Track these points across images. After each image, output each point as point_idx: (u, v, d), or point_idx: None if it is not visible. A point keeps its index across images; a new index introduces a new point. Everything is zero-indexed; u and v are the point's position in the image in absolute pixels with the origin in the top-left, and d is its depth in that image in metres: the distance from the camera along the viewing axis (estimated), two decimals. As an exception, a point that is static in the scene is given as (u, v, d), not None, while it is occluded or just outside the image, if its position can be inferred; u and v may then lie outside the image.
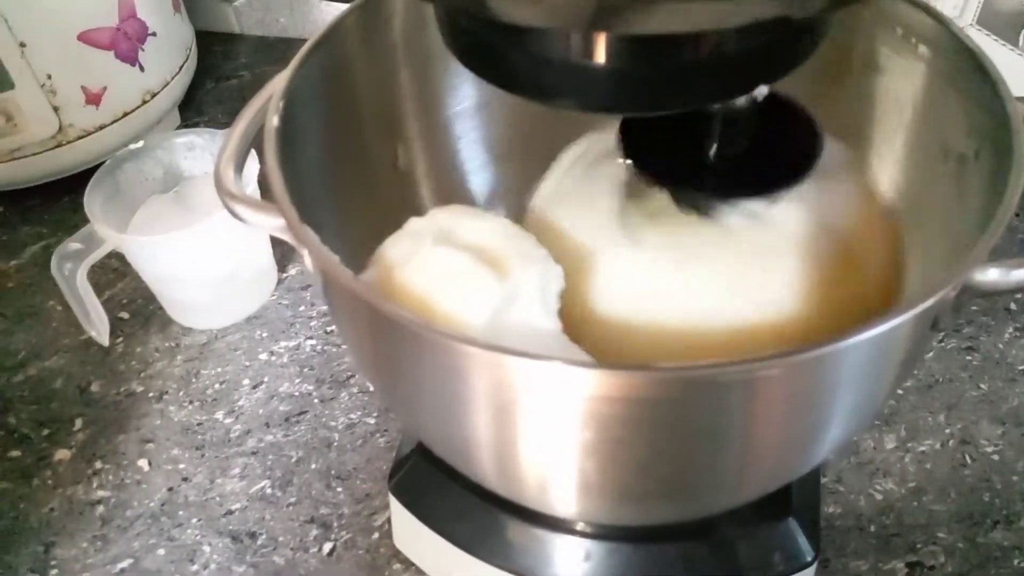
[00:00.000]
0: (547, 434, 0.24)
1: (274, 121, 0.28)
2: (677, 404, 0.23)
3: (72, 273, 0.45)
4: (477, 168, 0.40)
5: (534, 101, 0.25)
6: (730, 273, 0.29)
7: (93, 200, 0.47)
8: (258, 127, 0.30)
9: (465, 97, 0.38)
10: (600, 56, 0.22)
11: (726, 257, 0.29)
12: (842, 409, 0.26)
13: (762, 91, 0.23)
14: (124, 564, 0.42)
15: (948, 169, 0.31)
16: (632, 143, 0.30)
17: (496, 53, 0.24)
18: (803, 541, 0.36)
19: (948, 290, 0.23)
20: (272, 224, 0.27)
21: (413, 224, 0.28)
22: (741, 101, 0.26)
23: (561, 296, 0.26)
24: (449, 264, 0.25)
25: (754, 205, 0.30)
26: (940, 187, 0.32)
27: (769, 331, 0.29)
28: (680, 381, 0.22)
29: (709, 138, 0.29)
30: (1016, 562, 0.39)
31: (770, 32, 0.23)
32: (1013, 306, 0.50)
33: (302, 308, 0.53)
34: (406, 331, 0.22)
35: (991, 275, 0.24)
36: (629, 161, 0.30)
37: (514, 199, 0.36)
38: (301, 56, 0.30)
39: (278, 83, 0.30)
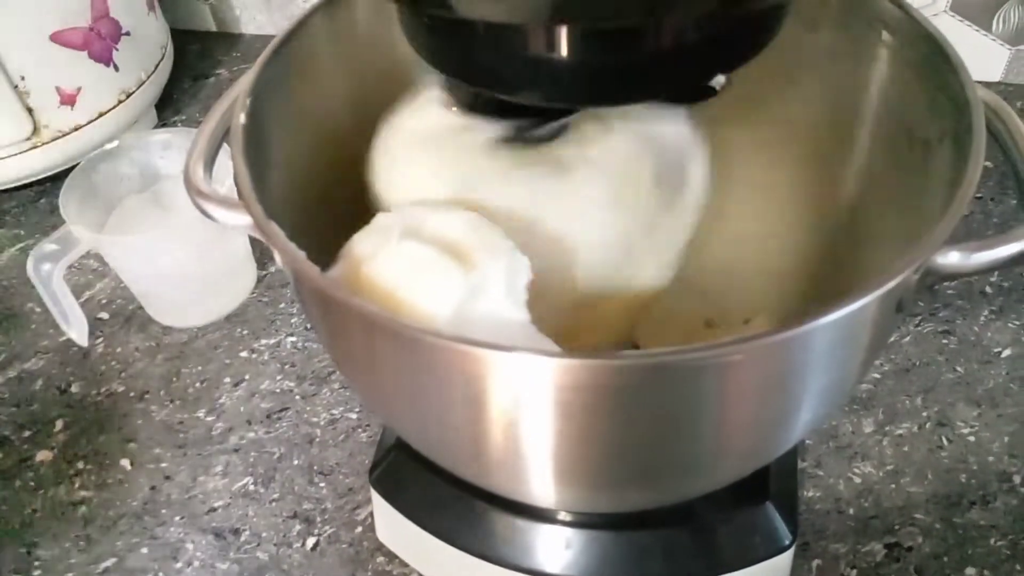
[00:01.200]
0: (516, 424, 0.24)
1: (241, 118, 0.28)
2: (643, 390, 0.23)
3: (49, 274, 0.45)
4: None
5: (498, 95, 0.25)
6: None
7: (69, 201, 0.47)
8: (227, 126, 0.30)
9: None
10: (560, 49, 0.23)
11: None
12: (811, 392, 0.26)
13: (720, 80, 0.23)
14: (108, 563, 0.42)
15: (914, 154, 0.32)
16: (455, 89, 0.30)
17: (458, 49, 0.24)
18: (781, 525, 0.36)
19: (909, 273, 0.23)
20: (241, 221, 0.27)
21: (381, 219, 0.28)
22: None
23: (529, 287, 0.26)
24: (415, 257, 0.25)
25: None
26: (906, 172, 0.32)
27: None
28: (645, 368, 0.22)
29: None
30: (993, 541, 0.40)
31: (727, 21, 0.23)
32: (988, 289, 0.50)
33: (282, 305, 0.53)
34: (372, 324, 0.22)
35: (952, 258, 0.25)
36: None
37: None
38: (267, 54, 0.30)
39: (245, 81, 0.30)
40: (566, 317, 0.29)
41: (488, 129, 0.30)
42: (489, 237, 0.26)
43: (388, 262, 0.25)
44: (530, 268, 0.26)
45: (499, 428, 0.25)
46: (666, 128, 0.31)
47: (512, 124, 0.30)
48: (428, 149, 0.31)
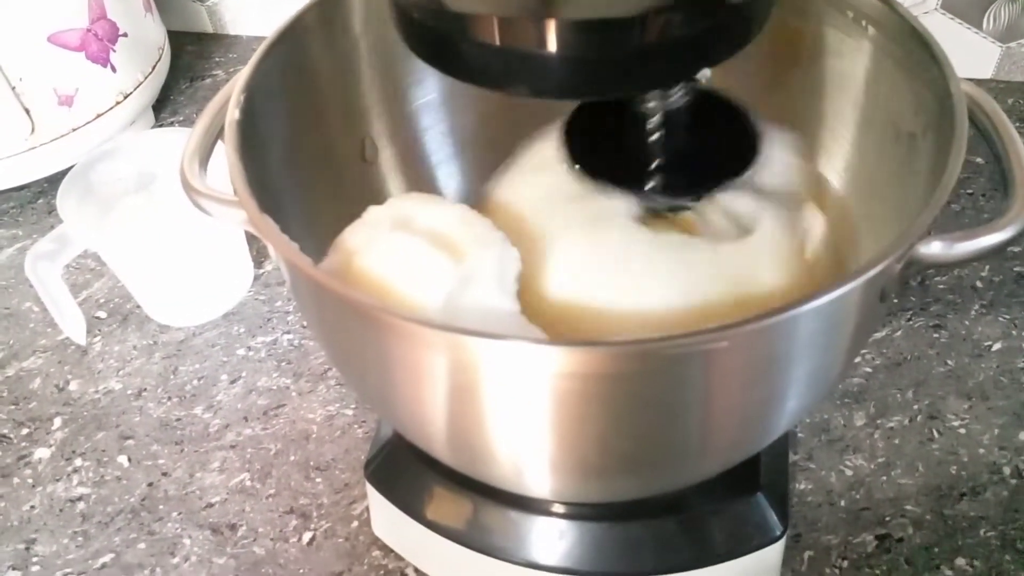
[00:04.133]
0: (505, 413, 0.25)
1: (235, 115, 0.28)
2: (631, 378, 0.23)
3: (46, 273, 0.46)
4: (444, 160, 0.41)
5: (488, 89, 0.26)
6: (679, 264, 0.29)
7: (66, 200, 0.47)
8: (222, 124, 0.30)
9: (430, 90, 0.39)
10: (548, 43, 0.23)
11: (675, 249, 0.30)
12: (797, 379, 0.27)
13: (706, 74, 0.24)
14: (105, 559, 0.42)
15: (899, 148, 0.32)
16: (576, 146, 0.30)
17: (448, 43, 0.25)
18: (772, 516, 0.36)
19: (891, 261, 0.24)
20: (236, 216, 0.28)
21: (372, 212, 0.28)
22: (679, 98, 0.27)
23: (519, 278, 0.27)
24: (406, 249, 0.26)
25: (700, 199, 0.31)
26: (892, 166, 0.33)
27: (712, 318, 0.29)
28: (632, 354, 0.23)
29: (650, 138, 0.30)
30: (983, 532, 0.40)
31: (714, 14, 0.23)
32: (979, 284, 0.50)
33: (279, 303, 0.53)
34: (363, 314, 0.23)
35: (934, 248, 0.25)
36: (574, 165, 0.30)
37: (481, 189, 0.37)
38: (262, 51, 0.31)
39: (240, 78, 0.30)
40: (554, 309, 0.30)
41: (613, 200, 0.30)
42: (479, 229, 0.26)
43: (379, 254, 0.26)
44: (519, 259, 0.26)
45: (487, 416, 0.25)
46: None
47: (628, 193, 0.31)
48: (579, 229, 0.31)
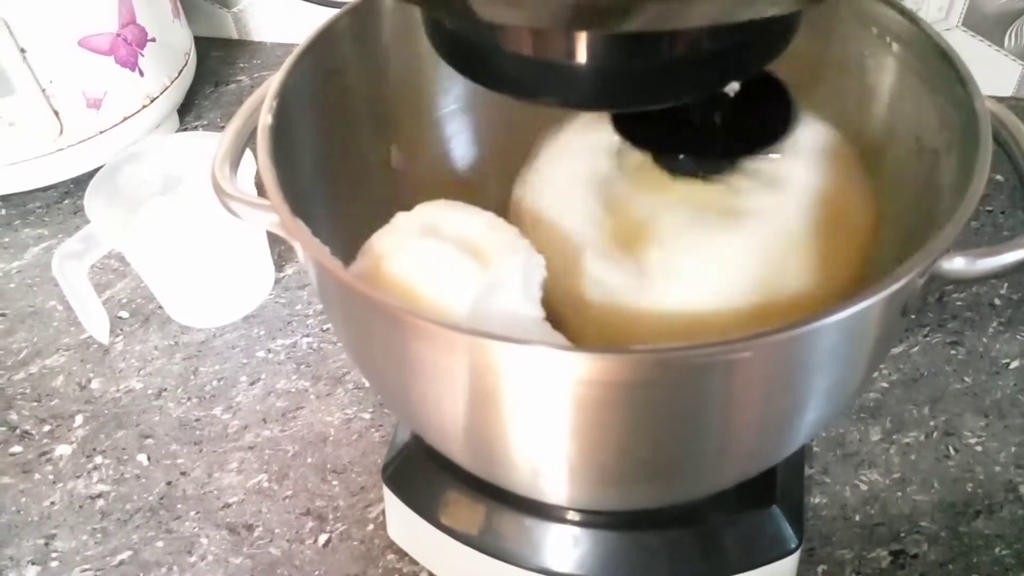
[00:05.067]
0: (526, 418, 0.25)
1: (267, 119, 0.29)
2: (654, 386, 0.24)
3: (73, 272, 0.46)
4: (469, 167, 0.41)
5: (518, 99, 0.26)
6: (713, 264, 0.30)
7: (93, 201, 0.48)
8: (253, 128, 0.31)
9: (457, 98, 0.39)
10: (581, 55, 0.23)
11: (710, 247, 0.30)
12: (817, 392, 0.27)
13: (734, 87, 0.24)
14: (123, 556, 0.43)
15: (923, 164, 0.32)
16: (620, 117, 0.31)
17: (480, 53, 0.25)
18: (787, 528, 0.36)
19: (914, 275, 0.24)
20: (266, 219, 0.28)
21: (400, 218, 0.29)
22: None
23: (544, 285, 0.27)
24: (433, 255, 0.26)
25: (739, 181, 0.31)
26: (916, 181, 0.33)
27: (756, 318, 0.30)
28: (655, 363, 0.23)
29: (692, 106, 0.30)
30: (997, 550, 0.40)
31: (743, 31, 0.24)
32: (997, 301, 0.50)
33: (299, 307, 0.54)
34: (391, 316, 0.23)
35: (957, 263, 0.25)
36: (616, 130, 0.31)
37: (505, 197, 0.37)
38: (294, 58, 0.31)
39: (272, 83, 0.31)
40: (578, 317, 0.30)
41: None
42: (506, 236, 0.27)
43: (407, 259, 0.26)
44: (544, 266, 0.27)
45: (509, 421, 0.26)
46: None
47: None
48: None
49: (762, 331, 0.22)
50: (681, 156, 0.32)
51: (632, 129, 0.32)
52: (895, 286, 0.24)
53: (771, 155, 0.32)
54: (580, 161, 0.32)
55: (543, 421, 0.25)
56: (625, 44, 0.23)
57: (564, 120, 0.36)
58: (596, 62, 0.23)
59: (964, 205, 0.25)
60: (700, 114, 0.31)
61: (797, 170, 0.32)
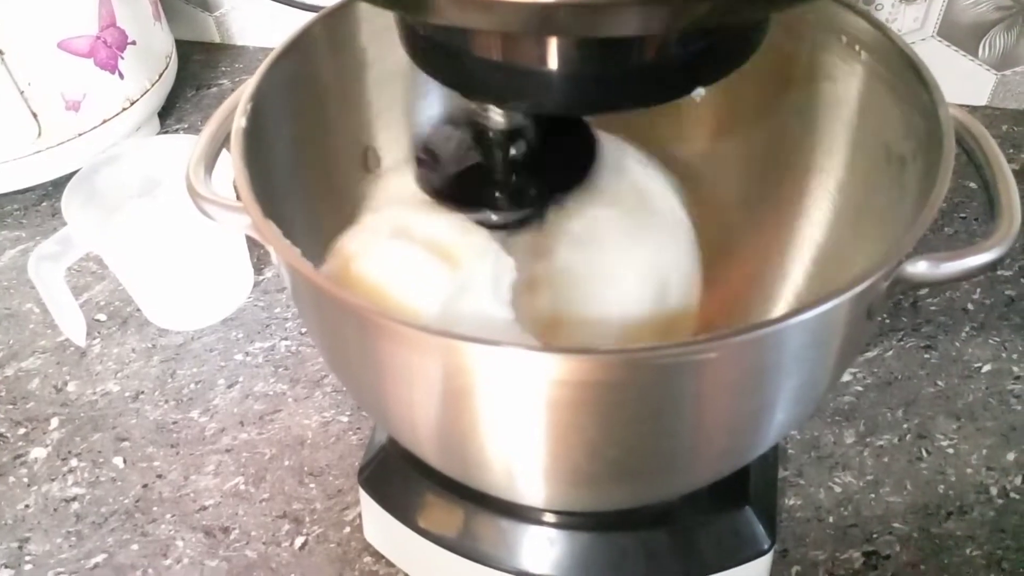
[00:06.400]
0: (497, 418, 0.25)
1: (242, 122, 0.29)
2: (621, 385, 0.24)
3: (49, 275, 0.46)
4: (445, 170, 0.41)
5: (490, 104, 0.26)
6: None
7: (70, 203, 0.48)
8: (228, 131, 0.31)
9: (432, 102, 0.39)
10: (549, 60, 0.24)
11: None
12: (785, 392, 0.27)
13: (700, 92, 0.24)
14: (98, 559, 0.42)
15: (891, 170, 0.33)
16: (427, 176, 0.31)
17: (453, 58, 0.25)
18: (760, 529, 0.37)
19: (878, 278, 0.25)
20: (240, 222, 0.28)
21: (371, 219, 0.29)
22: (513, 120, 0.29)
23: (514, 287, 0.27)
24: (403, 256, 0.26)
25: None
26: (884, 188, 0.33)
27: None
28: (623, 363, 0.23)
29: (494, 158, 0.31)
30: (968, 551, 0.40)
31: (712, 35, 0.24)
32: (970, 306, 0.51)
33: (277, 310, 0.54)
34: (360, 318, 0.23)
35: (920, 267, 0.26)
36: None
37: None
38: (269, 61, 0.31)
39: (247, 87, 0.31)
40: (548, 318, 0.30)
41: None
42: (476, 238, 0.27)
43: (377, 260, 0.26)
44: (514, 268, 0.27)
45: (481, 421, 0.26)
46: (621, 184, 0.33)
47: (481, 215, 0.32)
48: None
49: (728, 331, 0.23)
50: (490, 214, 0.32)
51: (438, 189, 0.32)
52: (858, 288, 0.24)
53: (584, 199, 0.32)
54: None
55: (514, 422, 0.26)
56: (595, 49, 0.23)
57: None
58: (565, 68, 0.23)
59: (927, 210, 0.25)
60: (501, 167, 0.31)
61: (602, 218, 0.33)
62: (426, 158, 0.33)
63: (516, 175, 0.32)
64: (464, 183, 0.32)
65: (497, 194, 0.32)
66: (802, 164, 0.37)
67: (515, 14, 0.21)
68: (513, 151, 0.31)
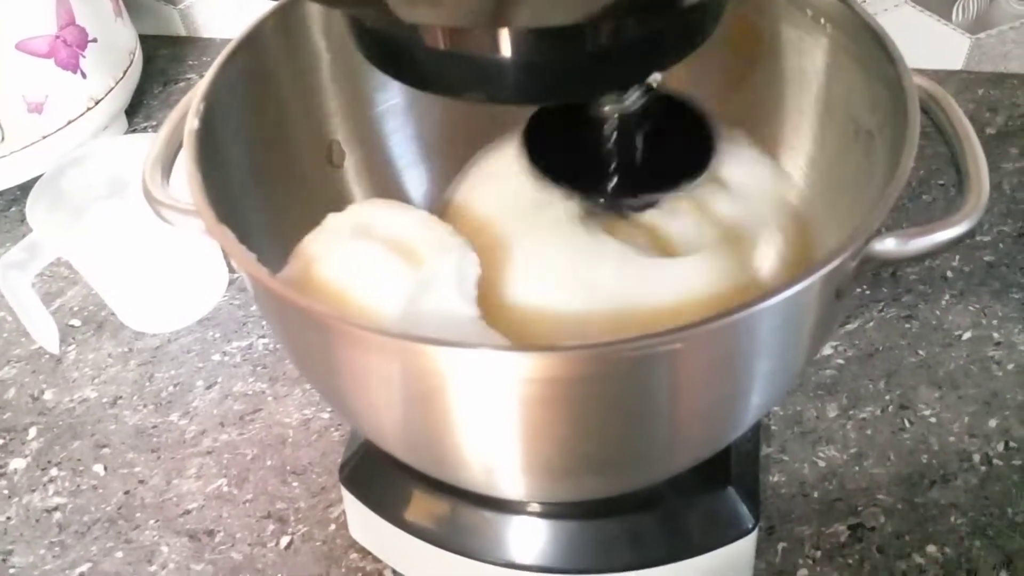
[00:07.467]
0: (465, 418, 0.25)
1: (194, 124, 0.28)
2: (590, 381, 0.24)
3: (17, 283, 0.46)
4: (409, 164, 0.41)
5: (444, 96, 0.26)
6: (637, 266, 0.30)
7: (36, 208, 0.47)
8: (184, 132, 0.30)
9: (394, 94, 0.39)
10: (498, 49, 0.23)
11: (633, 251, 0.30)
12: (758, 377, 0.27)
13: (656, 77, 0.24)
14: (83, 568, 0.42)
15: (859, 145, 0.32)
16: (535, 150, 0.31)
17: (402, 51, 0.25)
18: (743, 509, 0.37)
19: (845, 258, 0.24)
20: (197, 226, 0.28)
21: (332, 220, 0.29)
22: (633, 101, 0.28)
23: (479, 283, 0.27)
24: (363, 256, 0.26)
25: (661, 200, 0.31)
26: (853, 163, 0.33)
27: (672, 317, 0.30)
28: (590, 358, 0.23)
29: (607, 142, 0.30)
30: (953, 519, 0.40)
31: (663, 17, 0.23)
32: (950, 274, 0.51)
33: (254, 308, 0.53)
34: (320, 323, 0.23)
35: (888, 244, 0.25)
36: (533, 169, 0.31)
37: (444, 195, 0.37)
38: (221, 60, 0.31)
39: (199, 88, 0.30)
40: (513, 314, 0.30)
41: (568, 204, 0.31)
42: (438, 234, 0.26)
43: (338, 261, 0.26)
44: (478, 264, 0.27)
45: (450, 421, 0.25)
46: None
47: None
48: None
49: (694, 321, 0.22)
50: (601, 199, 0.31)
51: (551, 166, 0.31)
52: (826, 269, 0.24)
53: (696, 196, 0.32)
54: (510, 182, 0.32)
55: (484, 421, 0.25)
56: (541, 37, 0.22)
57: (504, 134, 0.36)
58: (514, 57, 0.23)
59: (892, 186, 0.25)
60: (618, 150, 0.31)
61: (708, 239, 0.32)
62: (534, 138, 0.32)
63: (626, 163, 0.31)
64: (574, 166, 0.31)
65: (606, 181, 0.31)
66: (771, 140, 0.36)
67: (460, 8, 0.21)
68: (623, 138, 0.30)
